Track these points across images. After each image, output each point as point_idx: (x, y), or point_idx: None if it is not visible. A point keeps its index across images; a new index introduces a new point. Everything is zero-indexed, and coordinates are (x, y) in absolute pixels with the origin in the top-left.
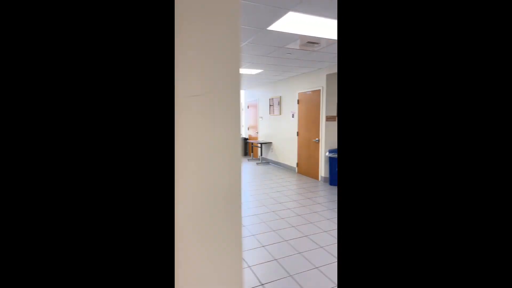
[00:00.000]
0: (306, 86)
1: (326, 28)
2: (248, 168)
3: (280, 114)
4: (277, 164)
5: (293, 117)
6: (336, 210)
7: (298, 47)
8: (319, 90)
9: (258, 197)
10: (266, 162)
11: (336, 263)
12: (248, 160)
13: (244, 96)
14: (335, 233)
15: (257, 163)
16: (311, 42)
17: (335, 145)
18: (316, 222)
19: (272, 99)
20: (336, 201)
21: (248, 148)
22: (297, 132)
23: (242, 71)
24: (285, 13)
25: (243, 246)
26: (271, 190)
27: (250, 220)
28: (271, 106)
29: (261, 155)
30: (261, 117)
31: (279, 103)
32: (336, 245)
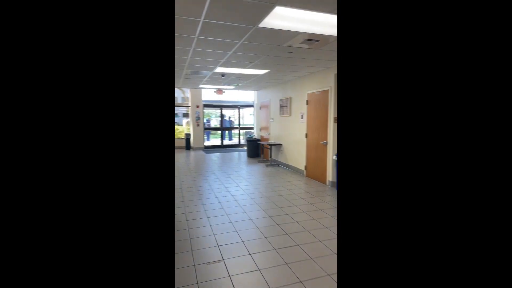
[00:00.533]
0: (315, 86)
1: (323, 23)
2: (256, 170)
3: (290, 115)
4: (287, 166)
5: (302, 118)
6: (337, 217)
7: (297, 45)
8: (328, 90)
9: (258, 201)
10: (276, 164)
11: (324, 277)
12: (258, 161)
13: (257, 97)
14: (329, 243)
15: (266, 165)
16: (310, 40)
17: None
18: (313, 230)
19: (283, 100)
20: None
21: (259, 149)
22: (306, 134)
23: (248, 71)
24: (272, 7)
25: (229, 253)
26: (274, 193)
27: (244, 225)
28: (281, 107)
29: (271, 156)
30: (272, 118)
31: (289, 104)
32: (328, 257)
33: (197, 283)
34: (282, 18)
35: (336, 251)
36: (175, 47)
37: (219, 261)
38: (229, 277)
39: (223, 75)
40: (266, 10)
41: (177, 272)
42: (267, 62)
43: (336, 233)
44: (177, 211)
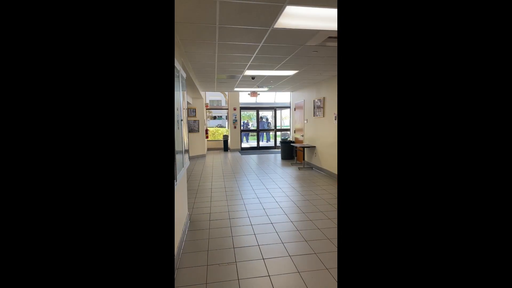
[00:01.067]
0: None
1: None
2: (288, 173)
3: (323, 116)
4: (320, 170)
5: (335, 119)
6: None
7: (320, 44)
8: None
9: (283, 204)
10: (310, 167)
11: None
12: (292, 164)
13: (292, 98)
14: None
15: (299, 168)
16: (333, 37)
17: None
18: (334, 239)
19: (316, 100)
20: None
21: (293, 152)
22: None
23: (277, 73)
24: (282, 7)
25: (243, 256)
26: (301, 198)
27: (263, 228)
28: (315, 108)
29: (304, 159)
30: (306, 120)
31: (323, 105)
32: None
33: (206, 283)
34: (296, 17)
35: None
36: (201, 52)
37: (231, 263)
38: (237, 280)
39: (253, 77)
40: (277, 11)
41: (188, 271)
42: (294, 62)
43: None
44: (202, 210)
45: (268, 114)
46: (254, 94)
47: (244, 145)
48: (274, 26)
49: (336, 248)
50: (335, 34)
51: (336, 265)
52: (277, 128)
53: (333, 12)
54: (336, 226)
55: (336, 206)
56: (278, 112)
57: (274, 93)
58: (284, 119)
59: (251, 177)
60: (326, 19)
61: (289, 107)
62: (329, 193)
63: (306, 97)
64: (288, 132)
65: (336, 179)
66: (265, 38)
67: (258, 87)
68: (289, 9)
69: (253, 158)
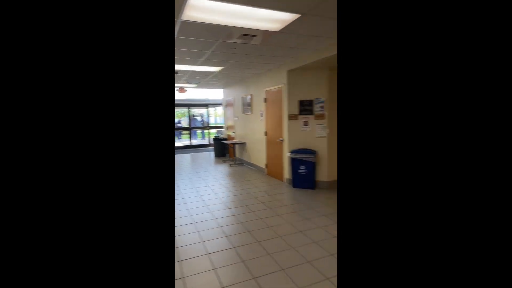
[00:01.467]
0: (271, 83)
1: (254, 17)
2: (219, 170)
3: (251, 113)
4: (250, 165)
5: (261, 116)
6: (284, 216)
7: (237, 41)
8: (281, 87)
9: (208, 202)
10: (241, 163)
11: (249, 281)
12: (224, 161)
13: (223, 94)
14: (267, 244)
15: (230, 164)
16: (247, 35)
17: (298, 145)
18: (254, 231)
19: (245, 97)
20: (293, 206)
21: (225, 149)
22: (265, 132)
23: (201, 68)
24: None
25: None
26: (228, 194)
27: (185, 229)
28: (244, 105)
29: (235, 155)
30: (237, 117)
31: (251, 102)
32: (258, 259)
33: None
34: (202, 11)
35: (270, 252)
36: None
37: None
38: None
39: (176, 72)
40: (180, 1)
41: None
42: (216, 58)
43: (278, 232)
44: None
45: (202, 111)
46: (182, 90)
47: (177, 144)
48: (183, 18)
49: (255, 240)
50: (248, 32)
51: (252, 257)
52: (211, 125)
53: (242, 9)
54: (259, 218)
55: (260, 199)
56: (211, 109)
57: (207, 89)
58: (220, 116)
59: (179, 177)
60: (236, 15)
61: (221, 104)
62: (256, 186)
63: (236, 94)
64: (222, 129)
65: (264, 173)
66: (177, 30)
67: (187, 82)
68: (193, 1)
69: (185, 157)
